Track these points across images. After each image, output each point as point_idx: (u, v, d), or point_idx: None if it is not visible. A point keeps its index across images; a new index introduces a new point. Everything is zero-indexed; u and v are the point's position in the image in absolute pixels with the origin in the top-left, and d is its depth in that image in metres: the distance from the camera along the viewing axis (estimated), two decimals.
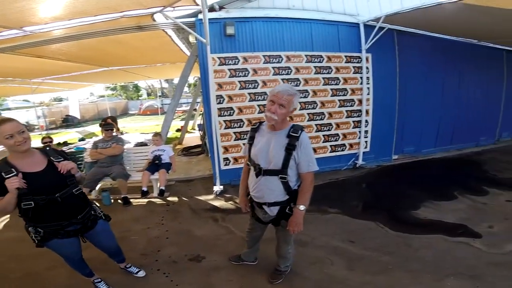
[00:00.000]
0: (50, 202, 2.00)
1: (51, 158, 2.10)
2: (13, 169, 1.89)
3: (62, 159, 2.14)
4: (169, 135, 8.37)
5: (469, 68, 7.13)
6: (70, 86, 14.14)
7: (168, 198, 4.93)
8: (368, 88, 5.89)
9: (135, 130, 15.00)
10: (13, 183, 1.85)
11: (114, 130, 6.32)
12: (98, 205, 2.52)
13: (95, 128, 16.69)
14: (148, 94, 41.20)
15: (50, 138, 5.79)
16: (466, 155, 7.17)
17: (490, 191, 4.73)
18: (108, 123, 5.59)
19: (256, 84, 5.20)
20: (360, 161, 6.15)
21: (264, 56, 5.15)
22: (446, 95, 6.98)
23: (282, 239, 2.50)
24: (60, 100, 32.48)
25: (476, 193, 4.66)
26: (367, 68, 5.77)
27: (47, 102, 29.74)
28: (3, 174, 1.86)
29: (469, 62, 7.10)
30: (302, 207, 2.12)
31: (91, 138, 11.56)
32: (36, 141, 9.70)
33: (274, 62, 5.22)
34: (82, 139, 11.34)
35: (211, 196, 4.96)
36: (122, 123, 15.49)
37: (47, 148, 2.20)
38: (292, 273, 2.79)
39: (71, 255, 2.35)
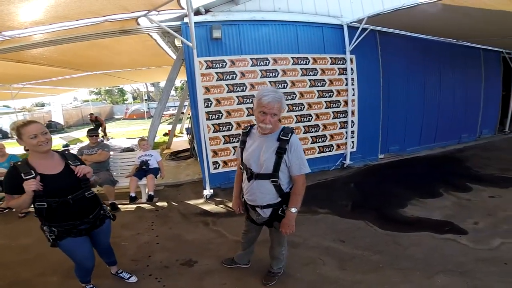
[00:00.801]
0: (63, 203, 2.08)
1: (69, 162, 2.20)
2: (32, 171, 1.98)
3: (79, 163, 2.24)
4: (157, 139, 8.27)
5: (449, 67, 7.39)
6: (53, 91, 13.83)
7: (157, 203, 4.87)
8: (353, 89, 5.98)
9: (121, 135, 14.76)
10: (31, 185, 1.93)
11: (101, 135, 6.20)
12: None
13: (80, 134, 16.32)
14: (134, 98, 40.56)
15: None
16: (449, 152, 7.39)
17: (474, 188, 4.87)
18: (92, 129, 5.49)
19: (244, 87, 5.21)
20: (347, 161, 6.24)
21: (251, 59, 5.16)
22: (428, 94, 7.19)
23: (276, 240, 2.52)
24: (43, 105, 31.64)
25: (460, 190, 4.80)
26: (351, 69, 5.87)
27: (29, 108, 28.92)
28: (22, 175, 1.96)
29: (449, 61, 7.35)
30: (294, 210, 2.14)
31: (75, 144, 11.33)
32: (18, 148, 9.44)
33: (261, 65, 5.24)
34: (66, 145, 11.09)
35: (201, 200, 4.92)
36: (107, 128, 15.17)
37: (66, 152, 2.32)
38: (285, 275, 2.80)
39: (85, 260, 2.39)
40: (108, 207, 4.57)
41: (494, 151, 7.30)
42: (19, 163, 2.05)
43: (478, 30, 5.49)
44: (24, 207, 2.07)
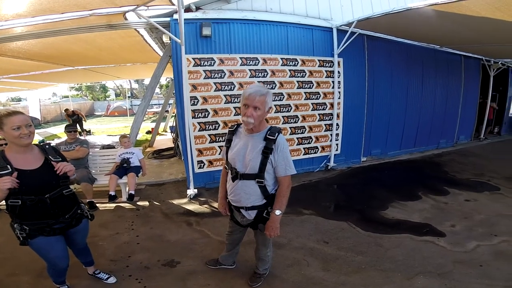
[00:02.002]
0: (38, 202, 1.98)
1: (49, 157, 2.09)
2: (8, 166, 1.88)
3: (60, 159, 2.13)
4: (139, 137, 8.10)
5: (432, 73, 7.64)
6: (30, 86, 13.25)
7: (138, 203, 4.74)
8: (339, 92, 6.06)
9: (102, 132, 14.39)
10: (6, 183, 1.81)
11: (79, 130, 5.99)
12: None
13: (57, 130, 15.78)
14: (117, 95, 39.67)
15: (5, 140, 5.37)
16: (428, 157, 7.63)
17: (451, 191, 5.07)
18: (70, 125, 5.30)
19: (233, 86, 5.17)
20: (331, 163, 6.32)
21: (241, 58, 5.14)
22: (410, 99, 7.40)
23: (261, 242, 2.49)
24: (19, 100, 30.40)
25: (438, 193, 4.98)
26: (338, 72, 5.95)
27: (4, 102, 27.73)
28: None
29: (431, 67, 7.60)
30: (278, 212, 2.10)
31: (52, 140, 10.93)
32: None
33: (250, 65, 5.22)
34: (42, 141, 10.68)
35: (185, 200, 4.84)
36: (87, 124, 14.76)
37: (46, 146, 2.18)
38: (270, 276, 2.79)
39: (57, 260, 2.26)
40: (87, 206, 4.45)
41: (470, 156, 7.60)
42: None
43: (461, 36, 5.70)
44: None
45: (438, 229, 3.73)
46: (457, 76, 8.34)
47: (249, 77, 5.25)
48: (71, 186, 2.26)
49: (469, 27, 4.66)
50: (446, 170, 6.37)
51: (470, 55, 8.23)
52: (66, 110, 13.03)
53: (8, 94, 28.29)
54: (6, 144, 4.41)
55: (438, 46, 7.32)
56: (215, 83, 5.06)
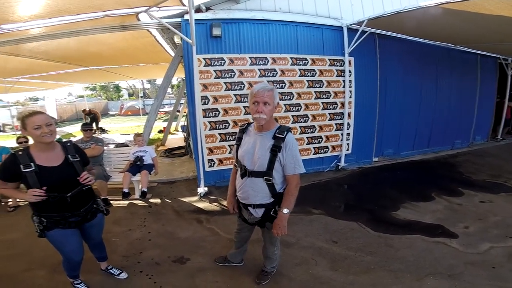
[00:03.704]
0: (60, 199, 2.08)
1: (68, 156, 2.18)
2: (32, 164, 1.99)
3: (79, 158, 2.23)
4: (151, 136, 8.24)
5: (446, 72, 7.45)
6: (47, 85, 13.65)
7: (150, 200, 4.83)
8: (350, 91, 6.01)
9: (116, 131, 14.67)
10: (35, 197, 1.95)
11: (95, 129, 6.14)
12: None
13: (73, 129, 16.17)
14: (130, 95, 40.32)
15: (26, 138, 5.56)
16: (443, 157, 7.46)
17: (465, 192, 4.95)
18: (86, 123, 5.44)
19: (242, 85, 5.20)
20: (342, 163, 6.27)
21: (250, 57, 5.16)
22: (424, 99, 7.25)
23: (268, 240, 2.50)
24: (36, 99, 31.23)
25: (452, 194, 4.87)
26: (349, 71, 5.90)
27: (23, 102, 28.56)
28: (21, 166, 1.97)
29: (446, 66, 7.41)
30: (286, 211, 2.11)
31: (68, 138, 11.20)
32: (10, 141, 9.32)
33: (260, 64, 5.25)
34: (59, 140, 10.96)
35: (195, 198, 4.90)
36: (102, 123, 15.10)
37: (68, 144, 2.28)
38: (278, 274, 2.81)
39: (72, 254, 2.34)
40: (104, 204, 4.56)
41: (486, 157, 7.39)
42: (20, 152, 2.04)
43: (476, 35, 5.56)
44: (16, 198, 2.05)
45: (450, 230, 3.66)
46: (472, 75, 8.12)
47: (259, 76, 5.27)
48: None
49: (484, 25, 4.54)
50: (461, 171, 6.23)
51: (486, 53, 7.99)
52: (84, 110, 13.43)
53: (26, 94, 29.12)
54: (26, 141, 4.62)
55: (452, 45, 7.15)
56: (225, 83, 5.10)
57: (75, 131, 14.70)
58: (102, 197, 4.57)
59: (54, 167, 2.09)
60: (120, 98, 38.10)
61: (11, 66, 7.21)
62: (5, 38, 4.50)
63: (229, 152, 5.30)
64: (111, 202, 4.67)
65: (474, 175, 5.90)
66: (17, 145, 4.85)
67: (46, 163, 2.06)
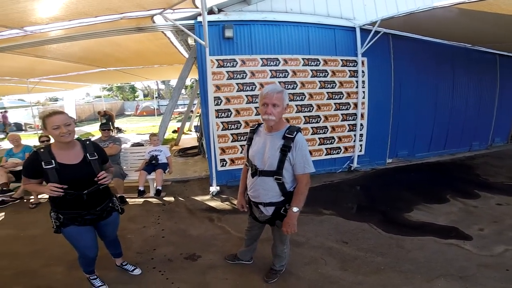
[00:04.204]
0: (77, 196, 2.16)
1: (87, 154, 2.25)
2: (52, 161, 2.07)
3: (96, 156, 2.30)
4: (166, 136, 8.39)
5: (463, 73, 7.26)
6: (67, 86, 14.09)
7: (165, 198, 4.96)
8: (364, 91, 5.96)
9: (131, 131, 14.98)
10: (54, 192, 2.03)
11: (112, 129, 6.30)
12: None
13: (91, 128, 16.62)
14: (145, 95, 41.04)
15: (48, 137, 5.78)
16: (459, 159, 7.29)
17: (481, 195, 4.83)
18: (104, 123, 5.61)
19: (254, 86, 5.25)
20: (355, 164, 6.22)
21: (261, 59, 5.21)
22: (440, 100, 7.09)
23: (278, 239, 2.53)
24: (56, 100, 32.20)
25: (468, 197, 4.76)
26: (362, 71, 5.85)
27: (43, 102, 29.51)
28: (43, 163, 2.05)
29: (463, 67, 7.22)
30: (295, 209, 2.14)
31: (87, 138, 11.52)
32: (32, 140, 9.69)
33: (271, 65, 5.28)
34: (77, 139, 11.30)
35: (207, 197, 4.99)
36: (118, 123, 15.48)
37: (87, 143, 2.35)
38: (287, 273, 2.84)
39: (87, 250, 2.42)
40: (119, 203, 4.69)
41: (505, 159, 7.17)
42: (42, 150, 2.12)
43: (493, 35, 5.40)
44: (37, 192, 2.15)
45: (465, 233, 3.60)
46: (491, 75, 7.88)
47: (270, 77, 5.30)
48: None
49: (501, 25, 4.41)
50: (478, 173, 6.06)
51: (506, 53, 7.74)
52: (99, 112, 13.81)
53: (46, 94, 30.09)
54: (48, 140, 4.79)
55: (469, 45, 6.97)
56: (237, 84, 5.16)
57: (93, 131, 15.12)
58: (118, 195, 4.71)
59: (73, 164, 2.16)
60: (136, 99, 38.82)
61: (33, 67, 7.51)
62: (28, 40, 4.69)
63: (241, 152, 5.36)
64: (127, 199, 4.80)
65: (492, 178, 5.74)
66: (39, 143, 5.06)
67: (66, 160, 2.13)
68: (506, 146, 8.58)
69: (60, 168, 2.09)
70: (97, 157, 2.30)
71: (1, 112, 17.47)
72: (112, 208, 2.49)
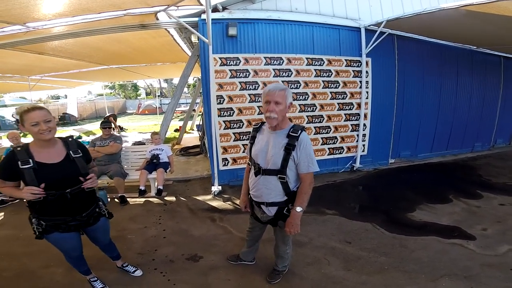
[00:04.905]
0: (60, 197, 1.99)
1: (70, 152, 2.09)
2: (30, 160, 1.90)
3: (81, 154, 2.15)
4: (168, 135, 8.37)
5: (467, 74, 7.23)
6: (69, 84, 14.11)
7: (166, 198, 4.93)
8: (367, 92, 5.94)
9: (133, 129, 14.99)
10: (32, 195, 1.86)
11: (113, 128, 6.26)
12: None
13: (93, 127, 16.63)
14: (147, 94, 41.08)
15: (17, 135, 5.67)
16: (462, 160, 7.27)
17: (484, 195, 4.82)
18: (105, 121, 5.57)
19: (257, 85, 5.23)
20: (357, 164, 6.20)
21: (265, 57, 5.18)
22: (443, 101, 7.07)
23: (280, 239, 2.51)
24: (58, 98, 32.31)
25: (471, 197, 4.75)
26: (366, 72, 5.82)
27: (45, 100, 29.57)
28: (19, 162, 1.88)
29: (467, 68, 7.19)
30: (299, 209, 2.11)
31: (88, 136, 11.55)
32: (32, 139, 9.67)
33: (275, 64, 5.25)
34: (79, 137, 11.32)
35: (209, 196, 4.96)
36: (120, 122, 15.48)
37: (69, 140, 2.18)
38: (290, 273, 2.82)
39: (71, 251, 2.33)
40: (118, 200, 4.65)
41: (508, 160, 7.15)
42: (19, 148, 1.95)
43: (500, 37, 5.37)
44: (13, 197, 1.94)
45: (468, 232, 3.59)
46: (495, 77, 7.85)
47: (273, 76, 5.27)
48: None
49: (509, 27, 4.39)
50: (481, 174, 6.04)
51: (511, 56, 7.71)
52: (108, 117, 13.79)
53: (48, 92, 30.17)
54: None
55: (474, 47, 6.94)
56: (240, 82, 5.13)
57: (94, 129, 15.14)
58: (119, 195, 4.69)
59: (55, 163, 2.00)
60: (138, 97, 38.87)
61: (35, 64, 7.49)
62: (30, 36, 4.67)
63: (243, 151, 5.33)
64: (128, 199, 4.77)
65: (494, 178, 5.72)
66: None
67: (45, 159, 1.97)
68: (508, 147, 8.57)
69: (39, 168, 1.92)
70: (81, 154, 2.15)
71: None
72: (99, 214, 2.34)
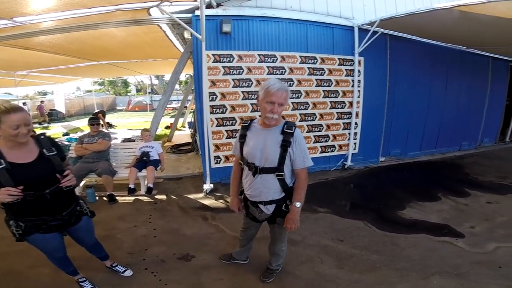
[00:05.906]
0: (38, 197, 1.90)
1: (44, 150, 1.99)
2: (1, 160, 1.79)
3: (55, 151, 2.05)
4: (158, 132, 8.27)
5: (456, 74, 7.37)
6: (56, 79, 13.76)
7: (156, 196, 4.84)
8: (359, 91, 5.98)
9: (123, 126, 14.77)
10: (10, 196, 1.76)
11: (102, 125, 6.13)
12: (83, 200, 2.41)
13: (81, 123, 16.32)
14: (138, 90, 40.48)
15: (34, 131, 5.58)
16: (450, 158, 7.41)
17: (472, 193, 4.93)
18: (93, 118, 5.45)
19: (250, 82, 5.20)
20: (348, 162, 6.25)
21: (259, 55, 5.15)
22: (432, 100, 7.19)
23: (277, 236, 2.50)
24: (45, 94, 31.57)
25: (458, 195, 4.85)
26: (359, 71, 5.86)
27: (31, 96, 28.89)
28: None
29: (456, 68, 7.33)
30: (298, 204, 2.12)
31: (76, 133, 11.32)
32: None
33: (268, 62, 5.23)
34: (66, 134, 11.09)
35: (201, 195, 4.91)
36: (109, 118, 15.22)
37: (42, 137, 2.06)
38: (283, 272, 2.81)
39: (54, 252, 2.25)
40: (106, 198, 4.54)
41: (494, 159, 7.32)
42: None
43: (490, 38, 5.46)
44: None
45: (456, 230, 3.66)
46: (483, 77, 8.02)
47: (267, 74, 5.25)
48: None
49: (499, 29, 4.46)
50: (468, 172, 6.18)
51: (499, 56, 7.88)
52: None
53: (35, 88, 29.47)
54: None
55: (464, 47, 7.06)
56: (233, 80, 5.10)
57: (82, 125, 14.86)
58: (108, 193, 4.59)
59: (28, 163, 1.90)
60: (128, 94, 38.28)
61: (21, 60, 7.27)
62: (18, 31, 4.52)
63: None
64: (117, 197, 4.67)
65: (481, 176, 5.85)
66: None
67: (17, 160, 1.86)
68: (494, 147, 8.80)
69: (12, 168, 1.80)
70: (56, 152, 2.04)
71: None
72: (80, 212, 2.25)
